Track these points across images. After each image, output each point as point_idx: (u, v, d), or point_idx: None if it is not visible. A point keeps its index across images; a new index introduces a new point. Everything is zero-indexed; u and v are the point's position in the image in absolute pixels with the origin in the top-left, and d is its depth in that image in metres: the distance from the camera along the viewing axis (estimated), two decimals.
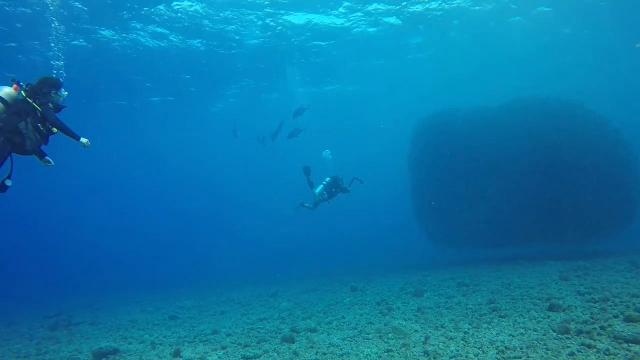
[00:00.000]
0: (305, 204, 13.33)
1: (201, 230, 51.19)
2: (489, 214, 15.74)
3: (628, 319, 5.98)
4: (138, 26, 19.41)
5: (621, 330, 5.48)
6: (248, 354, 6.67)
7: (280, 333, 7.90)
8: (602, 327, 5.84)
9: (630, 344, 5.11)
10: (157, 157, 43.88)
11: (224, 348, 7.27)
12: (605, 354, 4.92)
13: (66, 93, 5.89)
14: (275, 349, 6.86)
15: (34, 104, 5.48)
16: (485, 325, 6.80)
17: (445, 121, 17.25)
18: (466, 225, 16.23)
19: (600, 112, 15.77)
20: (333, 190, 13.08)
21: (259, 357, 6.53)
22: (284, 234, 40.61)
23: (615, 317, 6.25)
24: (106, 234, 48.28)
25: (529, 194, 15.17)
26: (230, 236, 46.69)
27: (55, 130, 5.60)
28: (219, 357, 6.81)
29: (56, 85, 5.78)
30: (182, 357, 7.00)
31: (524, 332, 6.18)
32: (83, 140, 5.76)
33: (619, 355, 4.82)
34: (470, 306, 8.30)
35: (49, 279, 31.45)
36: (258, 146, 23.36)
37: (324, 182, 13.07)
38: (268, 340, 7.51)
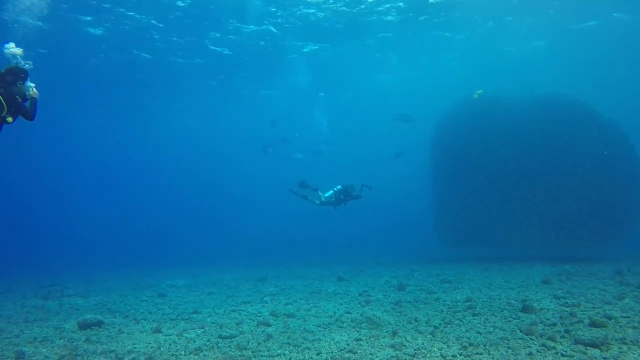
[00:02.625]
0: (309, 198, 13.44)
1: (206, 212, 51.71)
2: (500, 212, 15.82)
3: (593, 324, 6.14)
4: None
5: (582, 334, 5.64)
6: (224, 333, 6.89)
7: (259, 316, 8.13)
8: (566, 331, 5.99)
9: (588, 348, 5.27)
10: (157, 139, 44.32)
11: (202, 327, 7.50)
12: (562, 356, 5.08)
13: (33, 85, 5.88)
14: (251, 330, 7.08)
15: None
16: (457, 321, 6.97)
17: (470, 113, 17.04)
18: (477, 224, 16.29)
19: (611, 116, 15.71)
20: (342, 197, 13.27)
21: (234, 337, 6.75)
22: (289, 224, 40.82)
23: (581, 321, 6.40)
24: (112, 213, 49.00)
25: (535, 195, 15.25)
26: (235, 221, 47.22)
27: (10, 120, 5.60)
28: (197, 335, 7.03)
29: (22, 76, 5.75)
30: (161, 333, 7.24)
31: (492, 330, 6.35)
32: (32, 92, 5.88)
33: (574, 358, 4.98)
34: (448, 302, 8.47)
35: (53, 251, 32.02)
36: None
37: (335, 189, 13.31)
38: (246, 322, 7.74)
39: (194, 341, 6.63)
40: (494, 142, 15.90)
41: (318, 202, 13.20)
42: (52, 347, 6.48)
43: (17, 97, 5.66)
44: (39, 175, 46.40)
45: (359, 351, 5.71)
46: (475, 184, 16.19)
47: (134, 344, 6.62)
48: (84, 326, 7.75)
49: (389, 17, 21.84)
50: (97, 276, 17.57)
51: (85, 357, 5.95)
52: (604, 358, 4.90)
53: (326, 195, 13.16)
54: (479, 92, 11.55)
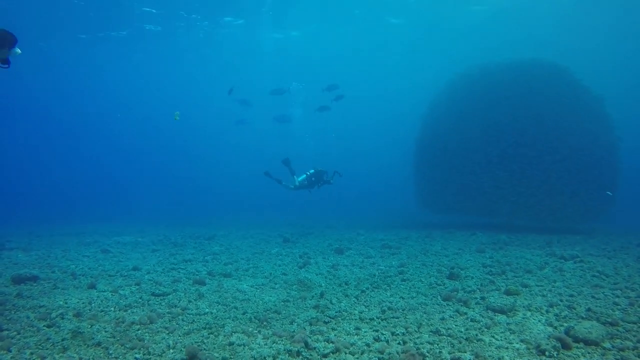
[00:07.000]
0: (284, 183, 13.56)
1: (170, 170, 50.95)
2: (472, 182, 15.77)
3: (507, 292, 6.55)
4: None
5: (494, 301, 6.02)
6: (158, 291, 6.99)
7: (197, 275, 8.26)
8: (482, 298, 6.37)
9: (496, 314, 5.65)
10: (114, 91, 42.86)
11: (138, 284, 7.57)
12: (471, 321, 5.42)
13: (19, 51, 5.65)
14: (185, 289, 7.21)
15: None
16: (385, 286, 7.28)
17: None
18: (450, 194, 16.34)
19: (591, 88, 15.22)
20: (313, 179, 13.40)
21: (167, 295, 6.86)
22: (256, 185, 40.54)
23: (498, 289, 6.82)
24: (68, 165, 47.67)
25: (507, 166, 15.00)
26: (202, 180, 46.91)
27: None
28: (131, 292, 7.10)
29: (8, 42, 5.48)
30: (95, 289, 7.27)
31: (414, 295, 6.68)
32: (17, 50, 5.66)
33: (481, 322, 5.32)
34: (382, 267, 8.81)
35: (3, 205, 31.05)
36: None
37: (307, 173, 13.46)
38: (183, 280, 7.86)
39: (127, 298, 6.71)
40: (468, 124, 15.96)
41: (292, 186, 13.39)
42: None
43: None
44: None
45: (284, 311, 5.93)
46: (449, 161, 16.30)
47: (66, 299, 6.63)
48: (17, 281, 7.69)
49: None
50: (44, 231, 17.24)
51: (13, 312, 5.94)
52: (508, 323, 5.27)
53: (299, 179, 13.37)
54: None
